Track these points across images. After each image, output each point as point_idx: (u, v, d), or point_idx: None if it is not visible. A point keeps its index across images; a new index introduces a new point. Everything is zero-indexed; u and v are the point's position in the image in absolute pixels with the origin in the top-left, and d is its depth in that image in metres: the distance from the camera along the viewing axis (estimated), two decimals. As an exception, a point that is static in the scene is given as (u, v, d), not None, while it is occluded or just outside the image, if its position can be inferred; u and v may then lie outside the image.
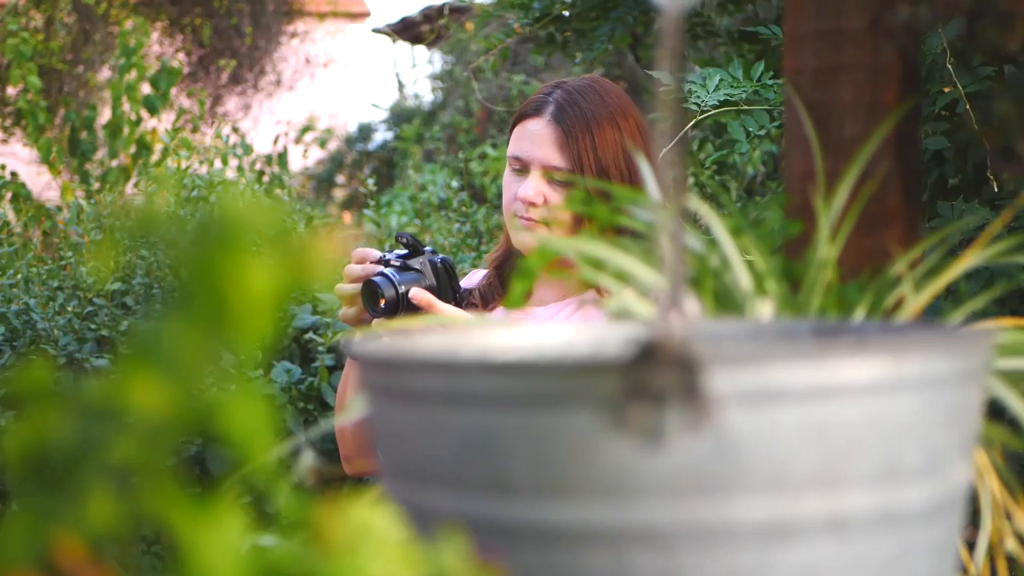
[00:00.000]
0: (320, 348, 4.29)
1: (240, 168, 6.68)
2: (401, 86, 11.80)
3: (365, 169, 10.63)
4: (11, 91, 8.89)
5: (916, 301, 1.29)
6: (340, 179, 11.19)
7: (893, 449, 0.83)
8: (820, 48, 1.44)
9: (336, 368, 4.35)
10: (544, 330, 1.15)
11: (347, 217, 9.35)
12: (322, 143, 10.65)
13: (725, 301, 1.32)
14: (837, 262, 1.31)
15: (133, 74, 8.35)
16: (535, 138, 2.46)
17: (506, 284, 2.59)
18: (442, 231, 5.74)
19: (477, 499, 0.84)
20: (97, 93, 9.05)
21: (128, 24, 8.77)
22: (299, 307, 4.51)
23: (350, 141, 11.16)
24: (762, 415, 0.80)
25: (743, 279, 1.26)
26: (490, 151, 7.55)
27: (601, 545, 0.81)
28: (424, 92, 12.84)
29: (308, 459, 1.02)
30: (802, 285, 1.32)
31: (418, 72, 18.01)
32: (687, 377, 0.77)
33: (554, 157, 2.43)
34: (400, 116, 10.74)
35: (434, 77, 10.93)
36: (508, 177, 2.48)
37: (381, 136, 11.19)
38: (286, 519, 0.56)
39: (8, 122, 8.88)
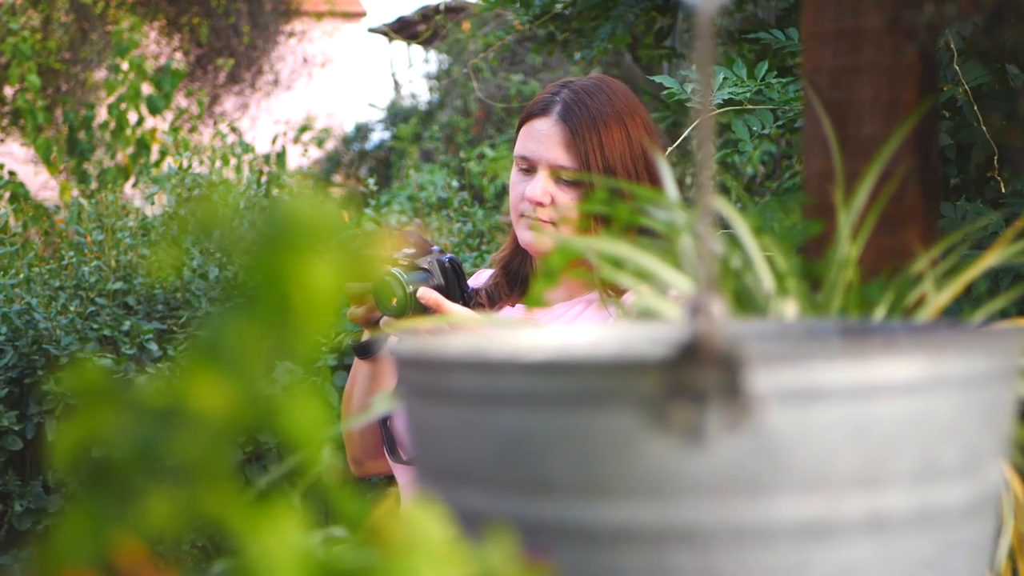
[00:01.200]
0: (323, 348, 4.29)
1: (238, 168, 6.68)
2: (397, 85, 11.80)
3: (362, 169, 10.62)
4: (8, 91, 8.88)
5: (938, 299, 1.29)
6: (336, 179, 11.18)
7: (931, 448, 0.83)
8: (839, 48, 1.44)
9: (337, 369, 4.35)
10: (570, 331, 1.15)
11: (345, 217, 9.32)
12: (320, 143, 10.64)
13: (745, 301, 1.32)
14: (857, 261, 1.31)
15: (131, 74, 8.34)
16: (542, 138, 2.46)
17: (512, 284, 2.59)
18: (442, 230, 5.74)
19: (515, 499, 0.84)
20: (94, 93, 9.04)
21: (123, 24, 8.76)
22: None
23: (347, 141, 11.16)
24: (802, 414, 0.80)
25: (766, 279, 1.26)
26: (488, 151, 7.55)
27: (641, 545, 0.81)
28: (420, 92, 12.84)
29: (328, 458, 1.02)
30: (823, 284, 1.32)
31: (414, 72, 18.00)
32: (729, 376, 0.77)
33: (561, 157, 2.43)
34: (397, 116, 10.74)
35: (431, 77, 10.93)
36: (515, 177, 2.47)
37: (378, 136, 11.19)
38: (342, 519, 0.56)
39: (5, 121, 8.86)
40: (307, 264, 0.51)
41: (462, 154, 7.51)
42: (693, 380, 0.78)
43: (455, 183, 5.38)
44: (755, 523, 0.80)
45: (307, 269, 0.51)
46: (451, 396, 0.85)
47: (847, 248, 1.30)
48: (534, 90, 8.49)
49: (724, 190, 5.91)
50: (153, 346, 4.15)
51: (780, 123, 3.36)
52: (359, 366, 2.46)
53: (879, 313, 1.31)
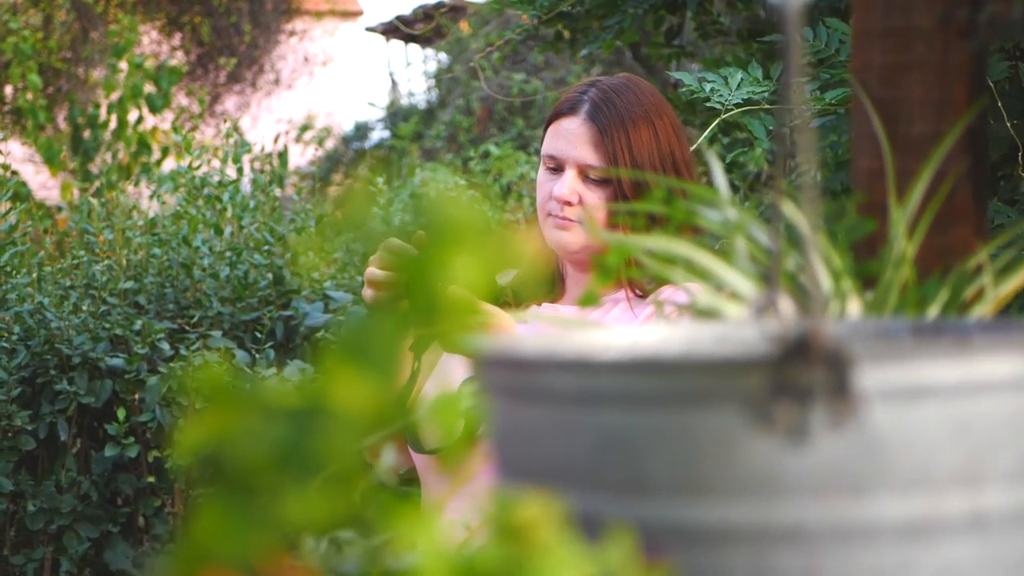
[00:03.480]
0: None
1: (240, 169, 6.68)
2: (395, 84, 11.79)
3: (361, 169, 10.61)
4: (8, 90, 8.87)
5: (997, 294, 1.29)
6: (337, 178, 11.18)
7: (1031, 447, 0.82)
8: (888, 45, 1.44)
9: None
10: (635, 330, 1.15)
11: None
12: (320, 142, 10.63)
13: (800, 301, 1.31)
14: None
15: (131, 73, 8.33)
16: (570, 137, 2.45)
17: (538, 282, 2.59)
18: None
19: (611, 499, 0.83)
20: (95, 92, 9.03)
21: (120, 24, 8.75)
22: (310, 306, 4.50)
23: (347, 140, 11.15)
24: (906, 412, 0.80)
25: (824, 279, 1.26)
26: (493, 149, 7.54)
27: (742, 544, 0.81)
28: (418, 91, 12.83)
29: (389, 458, 1.02)
30: (877, 283, 1.32)
31: (412, 71, 17.98)
32: (837, 374, 0.77)
33: (589, 156, 2.43)
34: (397, 115, 10.73)
35: (431, 76, 10.92)
36: (542, 176, 2.47)
37: (378, 135, 11.18)
38: (488, 520, 0.55)
39: (7, 120, 8.85)
40: (456, 261, 0.50)
41: (474, 152, 7.50)
42: (800, 378, 0.77)
43: (462, 182, 5.36)
44: (858, 522, 0.80)
45: (456, 266, 0.50)
46: (546, 396, 0.85)
47: (903, 246, 1.30)
48: (536, 89, 8.49)
49: (734, 188, 5.90)
50: (165, 345, 4.15)
51: (797, 122, 3.36)
52: None
53: (933, 311, 1.31)
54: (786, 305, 1.23)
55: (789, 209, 1.29)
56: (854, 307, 1.22)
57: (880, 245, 1.36)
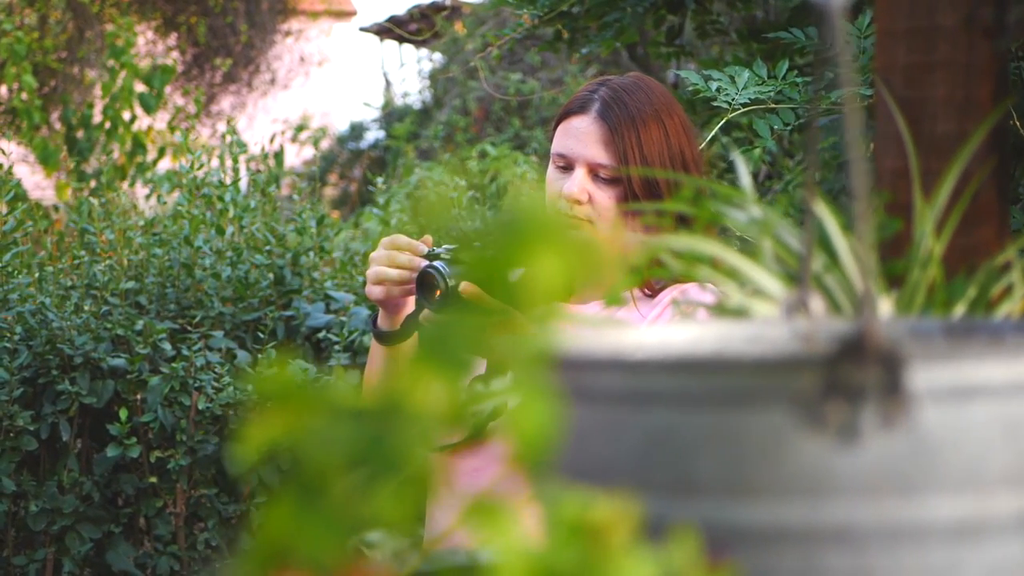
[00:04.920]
0: (336, 347, 4.28)
1: (236, 169, 6.68)
2: (388, 84, 11.78)
3: (356, 169, 10.60)
4: (2, 90, 8.85)
5: (1024, 293, 1.28)
6: (331, 178, 11.17)
7: (1079, 447, 0.82)
8: (912, 45, 1.44)
9: (351, 368, 4.34)
10: (667, 329, 1.15)
11: (335, 215, 9.33)
12: (315, 142, 10.63)
13: (827, 301, 1.31)
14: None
15: (123, 73, 8.32)
16: (580, 135, 2.45)
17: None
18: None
19: (660, 499, 0.83)
20: (91, 92, 9.02)
21: (114, 25, 8.74)
22: (311, 306, 4.50)
23: (342, 140, 11.14)
24: (956, 412, 0.79)
25: (855, 278, 1.26)
26: (490, 149, 7.54)
27: (792, 545, 0.81)
28: (412, 91, 12.83)
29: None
30: (904, 283, 1.32)
31: (406, 71, 17.98)
32: (890, 374, 0.76)
33: (600, 154, 2.43)
34: (392, 115, 10.73)
35: (423, 76, 10.91)
36: (551, 175, 2.47)
37: (373, 135, 11.17)
38: (561, 522, 0.55)
39: (1, 120, 8.84)
40: (536, 260, 0.50)
41: (474, 152, 7.49)
42: (852, 377, 0.77)
43: (462, 182, 5.36)
44: (908, 523, 0.80)
45: (537, 265, 0.50)
46: (593, 395, 0.85)
47: (931, 246, 1.30)
48: (532, 89, 8.49)
49: (735, 187, 5.89)
50: (167, 345, 4.14)
51: (801, 122, 3.37)
52: (377, 350, 2.45)
53: (959, 310, 1.31)
54: (817, 305, 1.22)
55: (819, 208, 1.28)
56: (885, 307, 1.22)
57: (903, 245, 1.36)
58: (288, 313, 4.44)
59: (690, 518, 0.82)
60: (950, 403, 0.79)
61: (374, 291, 2.37)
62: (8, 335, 4.01)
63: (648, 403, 0.82)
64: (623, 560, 0.55)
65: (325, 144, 11.14)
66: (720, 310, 1.29)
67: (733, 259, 1.28)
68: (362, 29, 14.76)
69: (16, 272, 4.17)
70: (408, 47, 13.86)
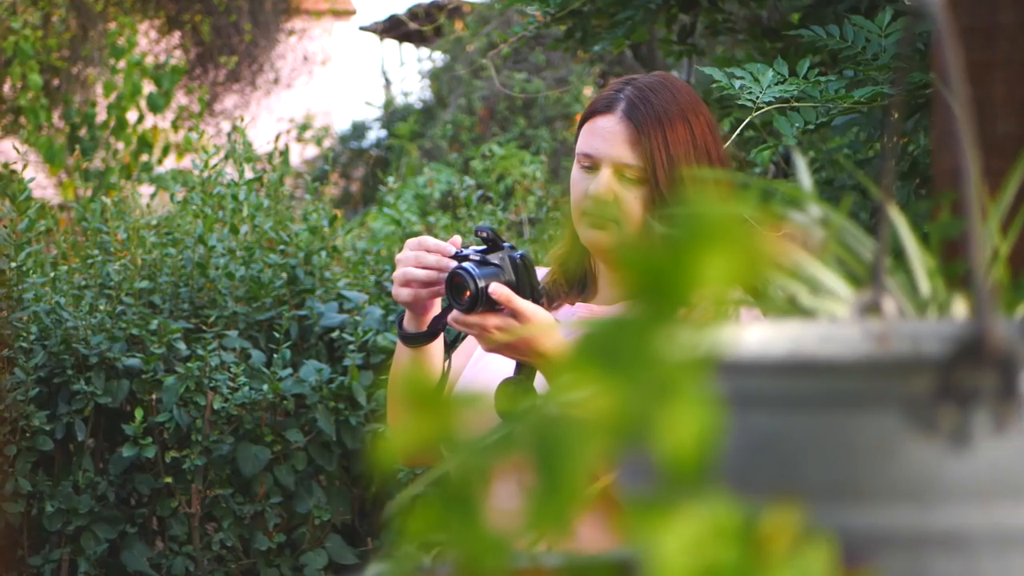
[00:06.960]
0: (351, 347, 4.27)
1: (242, 170, 6.67)
2: (388, 84, 11.78)
3: (358, 168, 10.60)
4: (7, 89, 8.84)
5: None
6: (332, 177, 11.16)
7: None
8: (972, 43, 1.43)
9: (365, 368, 4.33)
10: (736, 330, 1.13)
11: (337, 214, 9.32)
12: (318, 141, 10.62)
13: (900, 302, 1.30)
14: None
15: (131, 72, 8.31)
16: (606, 135, 2.44)
17: (571, 282, 2.57)
18: (449, 229, 5.72)
19: (762, 502, 0.82)
20: (94, 91, 9.00)
21: (115, 25, 8.72)
22: (324, 305, 4.48)
23: (344, 139, 11.13)
24: (1068, 416, 0.78)
25: (923, 279, 1.25)
26: (496, 148, 7.53)
27: (898, 549, 0.80)
28: (413, 90, 12.81)
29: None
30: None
31: (407, 70, 17.97)
32: (1007, 377, 0.75)
33: (626, 154, 2.41)
34: (395, 114, 10.72)
35: (424, 75, 10.91)
36: (577, 174, 2.46)
37: (375, 134, 11.16)
38: (724, 530, 0.54)
39: (6, 120, 8.82)
40: (708, 259, 0.49)
41: (488, 151, 7.48)
42: (967, 380, 0.76)
43: (471, 181, 5.35)
44: (1019, 529, 0.79)
45: (707, 268, 0.49)
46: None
47: (997, 246, 1.29)
48: (538, 88, 8.48)
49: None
50: (181, 345, 4.13)
51: (823, 120, 3.36)
52: (404, 351, 2.42)
53: (1020, 312, 1.30)
54: (890, 305, 1.21)
55: (889, 209, 1.27)
56: (959, 308, 1.21)
57: (962, 245, 1.34)
58: (302, 312, 4.43)
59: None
60: (1062, 406, 0.78)
61: (401, 293, 2.35)
62: (23, 335, 3.99)
63: (751, 405, 0.81)
64: (786, 570, 0.54)
65: (327, 143, 11.14)
66: (787, 310, 1.28)
67: (799, 259, 1.27)
68: (362, 28, 14.76)
69: (30, 272, 4.16)
70: (408, 46, 13.86)
